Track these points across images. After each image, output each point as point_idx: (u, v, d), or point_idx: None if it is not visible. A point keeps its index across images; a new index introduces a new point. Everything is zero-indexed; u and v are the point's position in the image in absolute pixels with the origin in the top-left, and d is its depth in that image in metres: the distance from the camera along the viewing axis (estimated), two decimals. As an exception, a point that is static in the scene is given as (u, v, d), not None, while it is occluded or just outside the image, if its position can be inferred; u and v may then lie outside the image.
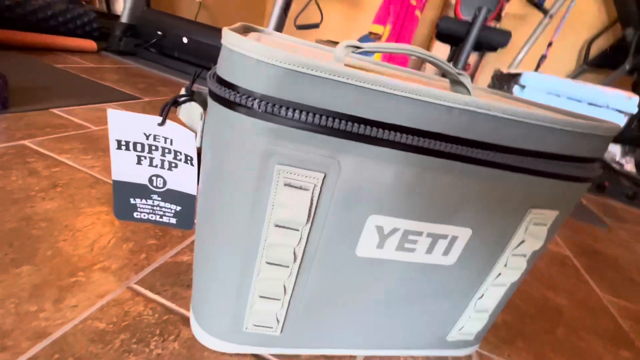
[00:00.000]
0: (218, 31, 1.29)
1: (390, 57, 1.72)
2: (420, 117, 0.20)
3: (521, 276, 0.28)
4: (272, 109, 0.18)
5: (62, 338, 0.26)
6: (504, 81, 1.12)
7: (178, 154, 0.25)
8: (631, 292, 0.57)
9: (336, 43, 2.68)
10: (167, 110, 0.24)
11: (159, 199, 0.27)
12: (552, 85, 0.93)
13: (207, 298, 0.26)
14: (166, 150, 0.25)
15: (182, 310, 0.31)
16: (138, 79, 1.06)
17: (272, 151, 0.19)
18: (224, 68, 0.19)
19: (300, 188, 0.20)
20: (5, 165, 0.46)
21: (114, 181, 0.26)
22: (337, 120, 0.19)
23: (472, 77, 2.24)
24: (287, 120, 0.19)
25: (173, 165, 0.26)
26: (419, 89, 0.19)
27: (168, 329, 0.29)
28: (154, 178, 0.26)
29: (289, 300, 0.25)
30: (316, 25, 1.29)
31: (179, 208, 0.28)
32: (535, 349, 0.38)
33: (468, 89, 0.28)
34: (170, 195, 0.27)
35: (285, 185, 0.20)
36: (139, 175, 0.26)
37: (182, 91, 0.25)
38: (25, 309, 0.27)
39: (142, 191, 0.27)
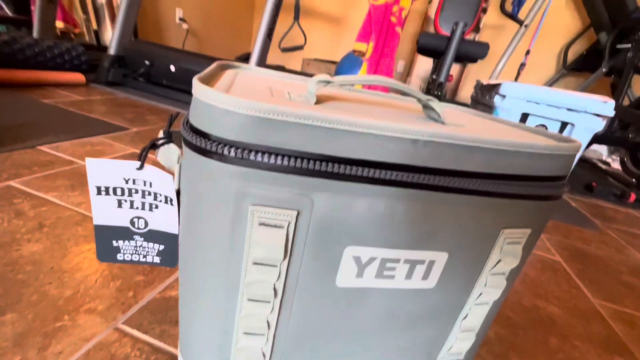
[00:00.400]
0: (204, 58, 1.32)
1: (376, 68, 1.77)
2: (386, 151, 0.21)
3: (502, 294, 0.29)
4: (242, 154, 0.19)
5: (46, 388, 0.26)
6: (485, 91, 1.15)
7: (158, 195, 0.26)
8: (622, 295, 0.57)
9: (322, 61, 2.75)
10: (145, 155, 0.24)
11: (142, 239, 0.27)
12: (531, 94, 0.96)
13: (193, 336, 0.26)
14: (146, 193, 0.25)
15: (171, 349, 0.31)
16: (126, 109, 1.07)
17: (245, 193, 0.20)
18: (195, 117, 0.20)
19: (275, 226, 0.21)
20: (-9, 208, 0.46)
21: (96, 226, 0.26)
22: (306, 161, 0.20)
23: (457, 87, 2.30)
24: (258, 163, 0.19)
25: (154, 206, 0.26)
26: (383, 125, 0.20)
27: (156, 370, 0.29)
28: (135, 220, 0.27)
29: (274, 335, 0.25)
30: (300, 47, 1.33)
31: (162, 247, 0.28)
32: (528, 362, 0.38)
33: (437, 113, 0.29)
34: (153, 235, 0.27)
35: (260, 224, 0.21)
36: (121, 218, 0.26)
37: (160, 134, 0.26)
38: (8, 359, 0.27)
39: (125, 233, 0.27)
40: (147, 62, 1.31)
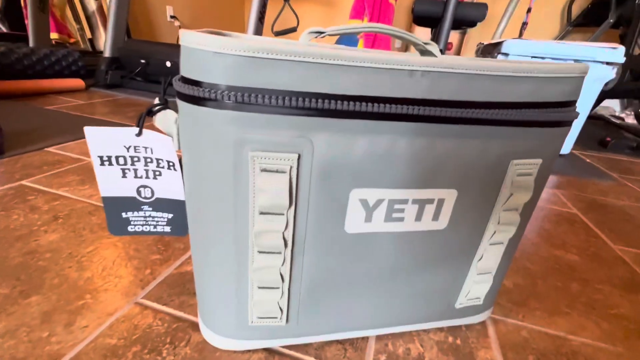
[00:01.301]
0: (199, 50, 1.31)
1: (373, 43, 1.73)
2: (383, 84, 0.20)
3: (517, 231, 0.28)
4: (236, 98, 0.19)
5: (75, 358, 0.26)
6: (487, 53, 1.11)
7: (160, 161, 0.26)
8: (644, 240, 0.56)
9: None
10: (143, 120, 0.24)
11: (150, 209, 0.28)
12: (534, 49, 0.93)
13: (210, 299, 0.27)
14: (148, 160, 0.25)
15: (191, 317, 0.31)
16: (128, 108, 1.08)
17: (243, 139, 0.20)
18: (186, 67, 0.20)
19: (277, 171, 0.20)
20: (7, 205, 0.47)
21: (103, 198, 0.26)
22: (302, 100, 0.19)
23: (458, 53, 2.24)
24: (253, 107, 0.19)
25: (157, 173, 0.26)
26: (377, 58, 0.20)
27: (178, 335, 0.29)
28: (141, 189, 0.27)
29: (289, 288, 0.25)
30: (294, 29, 1.30)
31: (170, 215, 0.28)
32: (549, 306, 0.38)
33: (436, 54, 0.28)
34: (160, 204, 0.28)
35: (262, 170, 0.20)
36: (126, 188, 0.26)
37: (156, 100, 0.26)
38: (38, 336, 0.28)
39: (132, 204, 0.27)
40: (142, 61, 1.31)
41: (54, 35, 2.23)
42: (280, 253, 0.23)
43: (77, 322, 0.30)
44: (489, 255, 0.28)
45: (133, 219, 0.28)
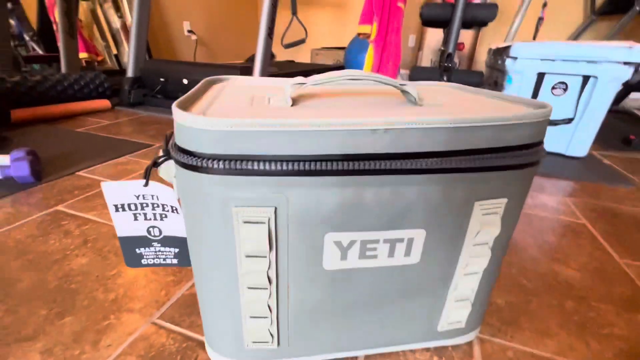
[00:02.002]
0: (212, 66, 1.37)
1: (383, 49, 1.73)
2: (348, 143, 0.23)
3: (492, 263, 0.30)
4: (220, 165, 0.22)
5: (101, 374, 0.31)
6: (498, 56, 1.10)
7: (165, 206, 0.30)
8: (655, 252, 0.55)
9: (330, 49, 2.72)
10: (149, 172, 0.28)
11: (159, 245, 0.32)
12: (544, 51, 0.91)
13: (211, 324, 0.30)
14: (155, 205, 0.30)
15: (199, 336, 0.35)
16: (149, 127, 1.16)
17: (228, 197, 0.23)
18: (179, 138, 0.23)
19: (257, 222, 0.24)
20: (45, 230, 0.53)
21: (120, 237, 0.31)
22: (275, 164, 0.22)
23: (472, 54, 2.18)
24: (235, 171, 0.22)
25: (163, 216, 0.30)
26: (341, 121, 0.22)
27: (187, 354, 0.33)
28: (150, 229, 0.31)
29: (277, 316, 0.28)
30: (302, 41, 1.34)
31: (177, 250, 0.32)
32: (540, 326, 0.39)
33: (414, 96, 0.30)
34: (168, 241, 0.32)
35: (245, 222, 0.24)
36: (138, 229, 0.31)
37: (160, 152, 0.30)
38: (71, 353, 0.33)
39: (144, 242, 0.31)
40: (162, 79, 1.39)
41: (83, 55, 2.39)
42: (266, 289, 0.26)
43: (103, 340, 0.34)
44: (464, 285, 0.30)
45: (145, 253, 0.32)
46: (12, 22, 2.22)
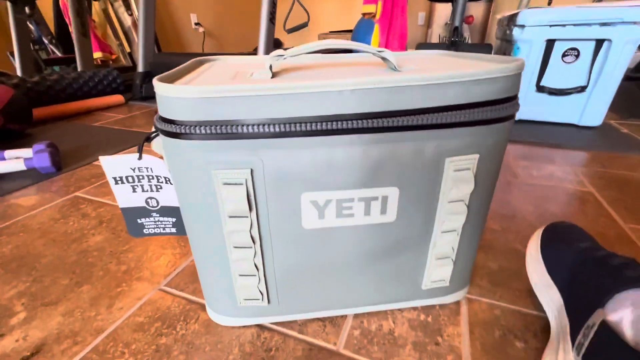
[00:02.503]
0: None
1: (389, 27, 1.69)
2: (316, 106, 0.24)
3: (471, 220, 0.31)
4: (198, 130, 0.24)
5: (114, 331, 0.34)
6: (505, 26, 1.06)
7: (159, 177, 0.32)
8: (663, 216, 0.53)
9: (338, 32, 2.68)
10: (142, 146, 0.30)
11: (158, 215, 0.35)
12: (553, 17, 0.87)
13: (208, 285, 0.33)
14: (150, 177, 0.32)
15: (201, 300, 0.38)
16: (160, 118, 1.20)
17: (208, 161, 0.25)
18: (161, 108, 0.25)
19: (236, 184, 0.26)
20: (66, 214, 0.58)
21: (122, 208, 0.34)
22: (247, 127, 0.24)
23: (485, 28, 2.09)
24: (212, 135, 0.24)
25: (159, 187, 0.33)
26: (309, 84, 0.24)
27: (190, 315, 0.36)
28: (149, 200, 0.34)
29: (264, 275, 0.31)
30: (305, 25, 1.33)
31: (174, 219, 0.35)
32: (529, 286, 0.39)
33: (392, 62, 0.31)
34: (165, 211, 0.34)
35: (224, 184, 0.26)
36: (137, 200, 0.33)
37: (153, 128, 0.32)
38: (88, 315, 0.37)
39: (144, 212, 0.34)
40: (170, 72, 1.42)
41: (97, 54, 2.48)
42: (251, 247, 0.29)
43: (116, 304, 0.38)
44: (443, 243, 0.31)
45: (146, 223, 0.35)
46: (31, 26, 2.32)
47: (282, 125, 0.24)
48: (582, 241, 0.35)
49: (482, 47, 1.24)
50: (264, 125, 0.24)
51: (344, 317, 0.36)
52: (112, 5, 2.54)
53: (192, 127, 0.24)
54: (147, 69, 1.49)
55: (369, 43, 1.75)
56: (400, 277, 0.33)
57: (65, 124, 1.14)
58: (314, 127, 0.24)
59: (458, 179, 0.28)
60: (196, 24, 2.38)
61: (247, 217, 0.27)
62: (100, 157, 0.30)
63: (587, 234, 0.37)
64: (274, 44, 2.61)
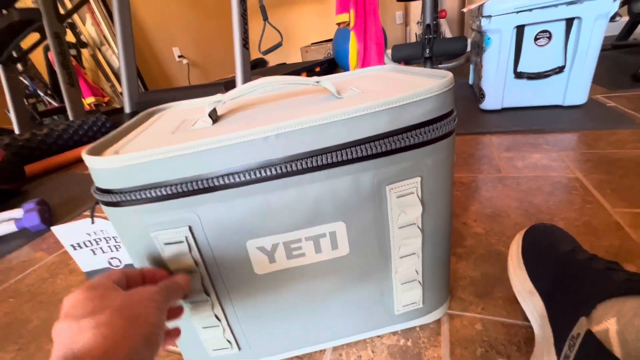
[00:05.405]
0: (199, 87, 1.41)
1: (365, 33, 1.70)
2: (242, 156, 0.24)
3: (428, 241, 0.30)
4: (130, 197, 0.24)
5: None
6: (474, 18, 1.05)
7: (116, 238, 0.32)
8: (653, 195, 0.51)
9: (319, 43, 2.71)
10: (93, 212, 0.31)
11: (122, 273, 0.35)
12: (517, 3, 0.86)
13: (182, 337, 0.33)
14: (107, 239, 0.32)
15: (178, 350, 0.38)
16: (149, 157, 1.21)
17: (145, 224, 0.25)
18: (94, 178, 0.26)
19: (177, 242, 0.25)
20: (54, 272, 0.58)
21: (85, 272, 0.34)
22: (179, 186, 0.24)
23: (462, 18, 2.09)
24: (144, 200, 0.24)
25: (117, 247, 0.33)
26: (232, 136, 0.23)
27: (169, 368, 0.36)
28: (111, 260, 0.34)
29: (228, 323, 0.30)
30: (279, 45, 1.35)
31: (139, 275, 0.35)
32: (513, 292, 0.38)
33: (331, 90, 0.30)
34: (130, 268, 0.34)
35: (166, 244, 0.25)
36: (100, 262, 0.34)
37: (104, 190, 0.32)
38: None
39: (108, 272, 0.34)
40: (156, 109, 1.45)
41: (90, 99, 2.54)
42: (207, 300, 0.28)
43: (97, 365, 0.38)
44: (404, 267, 0.30)
45: (113, 283, 0.35)
46: (25, 81, 2.41)
47: (211, 180, 0.24)
48: (563, 244, 0.34)
49: (456, 41, 1.24)
50: (192, 182, 0.24)
51: (322, 351, 0.35)
52: (99, 50, 2.63)
53: (125, 194, 0.24)
54: (133, 109, 1.52)
55: (348, 50, 1.76)
56: (370, 306, 0.32)
57: (58, 175, 1.17)
58: (243, 178, 0.24)
59: (403, 204, 0.27)
60: (179, 56, 2.43)
61: (196, 272, 0.27)
62: (53, 228, 0.31)
63: (569, 236, 0.36)
64: (260, 65, 2.64)
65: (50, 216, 0.78)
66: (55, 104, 2.45)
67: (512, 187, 0.60)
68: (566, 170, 0.63)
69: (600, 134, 0.76)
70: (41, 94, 2.47)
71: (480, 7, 0.95)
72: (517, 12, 0.87)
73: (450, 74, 0.27)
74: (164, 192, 0.24)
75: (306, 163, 0.24)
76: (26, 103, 2.15)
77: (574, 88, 0.92)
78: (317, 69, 2.11)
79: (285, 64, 2.59)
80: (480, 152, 0.77)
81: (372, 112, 0.24)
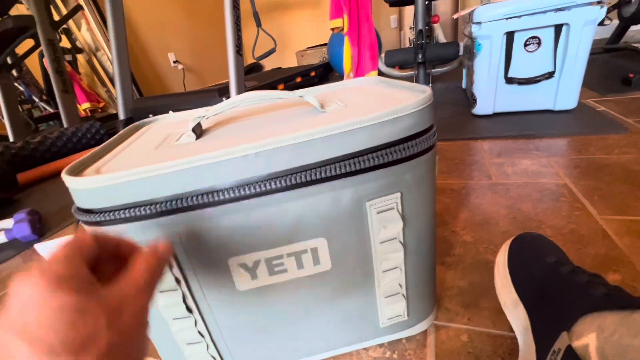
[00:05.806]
0: (193, 94, 1.42)
1: (358, 37, 1.71)
2: (222, 174, 0.24)
3: (411, 254, 0.30)
4: (111, 217, 0.24)
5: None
6: (465, 24, 1.06)
7: (100, 254, 0.32)
8: None
9: (315, 47, 2.72)
10: (77, 228, 0.31)
11: (107, 289, 0.34)
12: (507, 9, 0.87)
13: (163, 353, 0.32)
14: (91, 255, 0.32)
15: (167, 364, 0.38)
16: (143, 164, 1.21)
17: (126, 243, 0.25)
18: (74, 199, 0.26)
19: (158, 261, 0.25)
20: (44, 284, 0.58)
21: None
22: (160, 205, 0.24)
23: (455, 22, 2.11)
24: (125, 219, 0.24)
25: (102, 263, 0.33)
26: (212, 155, 0.24)
27: (155, 383, 0.36)
28: (95, 276, 0.34)
29: (212, 340, 0.30)
30: (273, 50, 1.35)
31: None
32: (499, 303, 0.38)
33: (314, 104, 0.31)
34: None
35: (146, 263, 0.25)
36: (84, 278, 0.33)
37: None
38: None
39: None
40: (150, 115, 1.45)
41: (85, 105, 2.54)
42: (190, 317, 0.28)
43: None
44: (387, 281, 0.30)
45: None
46: (20, 88, 2.40)
47: (191, 199, 0.24)
48: (549, 255, 0.34)
49: (449, 46, 1.25)
50: (172, 201, 0.24)
51: (309, 364, 0.35)
52: (95, 55, 2.63)
53: (105, 214, 0.24)
54: (128, 116, 1.52)
55: (343, 54, 1.77)
56: (355, 319, 0.32)
57: (51, 183, 1.16)
58: (223, 196, 0.24)
59: (384, 219, 0.27)
60: (174, 62, 2.43)
61: (177, 289, 0.27)
62: (36, 245, 0.31)
63: (554, 246, 0.36)
64: (255, 69, 2.65)
65: (42, 226, 0.78)
66: (50, 109, 2.44)
67: (501, 194, 0.61)
68: (555, 177, 0.63)
69: (589, 139, 0.77)
70: (36, 100, 2.47)
71: (470, 14, 0.96)
72: (507, 18, 0.88)
73: (429, 90, 0.27)
74: (145, 212, 0.24)
75: (286, 181, 0.24)
76: (21, 109, 2.14)
77: (564, 93, 0.92)
78: (312, 74, 2.11)
79: (280, 68, 2.60)
80: (471, 157, 0.78)
81: (351, 130, 0.25)
